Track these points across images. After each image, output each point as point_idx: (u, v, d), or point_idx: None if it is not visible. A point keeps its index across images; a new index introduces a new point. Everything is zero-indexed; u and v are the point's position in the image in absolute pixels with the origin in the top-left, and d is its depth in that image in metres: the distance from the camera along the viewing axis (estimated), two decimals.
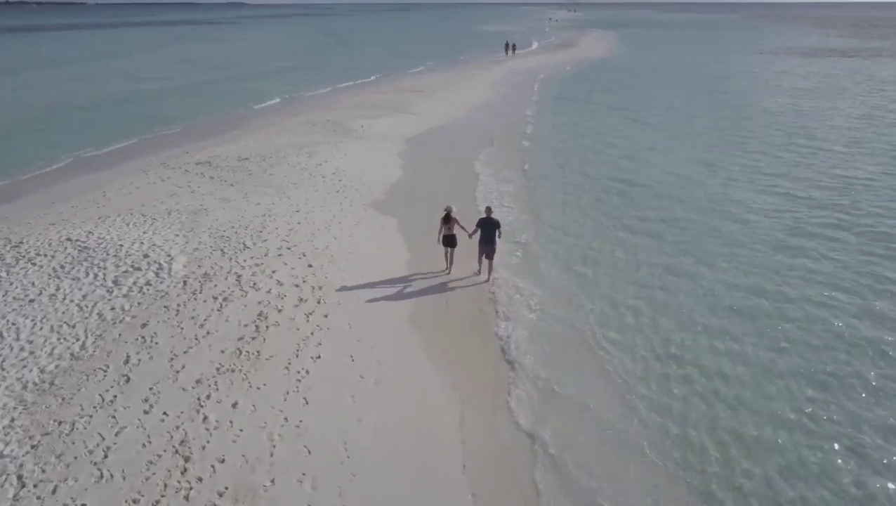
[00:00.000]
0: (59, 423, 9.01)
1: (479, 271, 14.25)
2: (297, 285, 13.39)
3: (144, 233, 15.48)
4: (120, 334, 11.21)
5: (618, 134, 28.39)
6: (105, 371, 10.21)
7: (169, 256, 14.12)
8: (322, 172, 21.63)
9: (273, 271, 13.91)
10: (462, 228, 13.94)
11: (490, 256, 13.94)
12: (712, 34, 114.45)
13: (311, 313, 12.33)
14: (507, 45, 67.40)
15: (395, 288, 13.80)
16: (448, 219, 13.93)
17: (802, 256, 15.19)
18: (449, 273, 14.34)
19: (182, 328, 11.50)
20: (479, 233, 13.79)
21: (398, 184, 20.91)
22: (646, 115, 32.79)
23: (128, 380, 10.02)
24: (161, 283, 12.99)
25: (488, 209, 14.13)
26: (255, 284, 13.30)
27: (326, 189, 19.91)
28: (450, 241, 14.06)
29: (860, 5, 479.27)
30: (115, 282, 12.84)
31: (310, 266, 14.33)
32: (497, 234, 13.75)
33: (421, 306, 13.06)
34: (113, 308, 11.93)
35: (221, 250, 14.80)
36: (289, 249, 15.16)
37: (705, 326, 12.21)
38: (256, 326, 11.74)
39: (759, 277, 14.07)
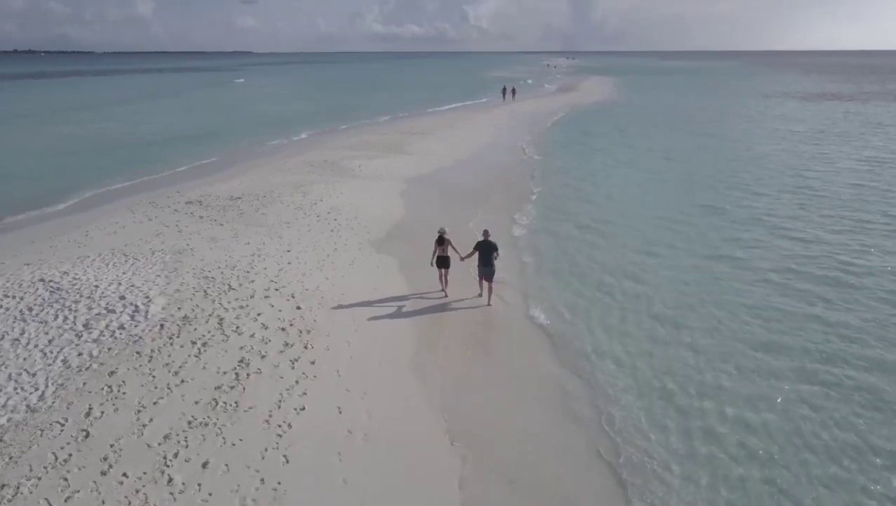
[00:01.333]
0: (2, 487, 7.93)
1: (481, 294, 14.40)
2: (283, 329, 12.41)
3: (124, 273, 14.55)
4: (84, 383, 10.18)
5: (616, 179, 27.27)
6: (63, 425, 9.15)
7: (147, 297, 13.16)
8: (317, 211, 20.87)
9: (258, 314, 12.95)
10: (455, 250, 14.29)
11: (489, 279, 14.07)
12: (712, 80, 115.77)
13: (296, 360, 11.33)
14: (504, 89, 67.84)
15: (389, 329, 12.85)
16: (441, 241, 14.30)
17: (805, 308, 13.93)
18: (445, 295, 14.54)
19: (154, 376, 10.48)
20: (474, 256, 14.05)
21: (394, 223, 20.15)
22: (645, 160, 31.86)
23: (87, 435, 8.96)
24: (136, 326, 12.01)
25: (486, 232, 14.27)
26: (237, 327, 12.32)
27: (320, 228, 19.11)
28: (443, 262, 14.40)
29: (851, 53, 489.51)
30: (86, 325, 11.86)
31: (298, 308, 13.39)
32: (494, 256, 13.88)
33: (417, 348, 12.16)
34: (80, 354, 10.93)
35: (205, 292, 13.85)
36: (277, 290, 14.23)
37: (698, 382, 11.20)
38: (236, 374, 10.72)
39: (756, 335, 12.73)
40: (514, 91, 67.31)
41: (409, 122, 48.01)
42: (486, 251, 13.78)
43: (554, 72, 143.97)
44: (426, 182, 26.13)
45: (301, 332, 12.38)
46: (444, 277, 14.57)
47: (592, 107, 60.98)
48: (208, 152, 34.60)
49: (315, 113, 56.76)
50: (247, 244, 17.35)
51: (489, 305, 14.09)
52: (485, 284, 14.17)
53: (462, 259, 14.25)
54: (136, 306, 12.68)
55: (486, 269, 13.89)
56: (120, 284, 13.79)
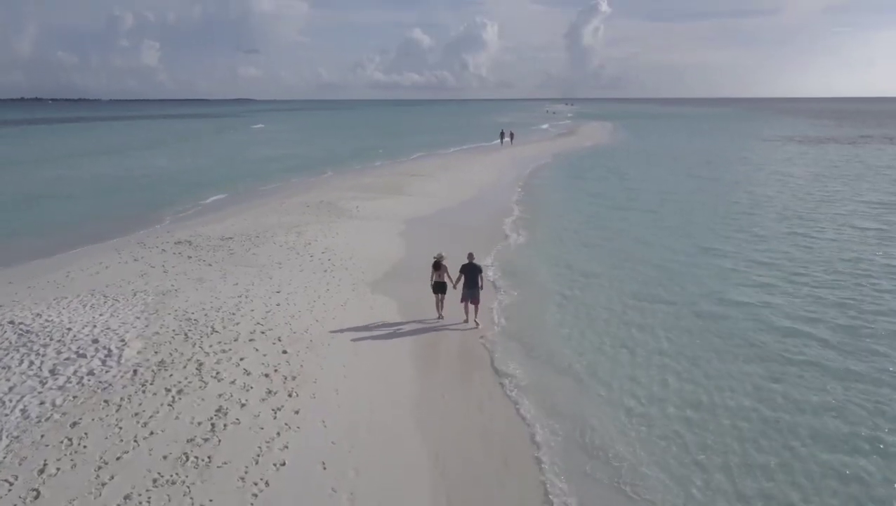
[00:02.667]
0: None
1: (466, 319, 14.51)
2: (266, 375, 11.51)
3: (101, 315, 13.71)
4: (42, 436, 9.24)
5: (614, 224, 26.00)
6: (11, 484, 8.18)
7: (122, 340, 12.30)
8: (310, 251, 20.15)
9: (241, 359, 12.06)
10: (449, 277, 14.61)
11: (475, 302, 14.34)
12: (710, 125, 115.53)
13: (279, 409, 10.40)
14: (502, 133, 67.99)
15: (382, 374, 11.95)
16: (438, 266, 14.54)
17: (811, 363, 12.49)
18: (440, 317, 14.75)
19: (120, 428, 9.53)
20: (462, 280, 14.34)
21: (390, 263, 19.38)
22: (644, 203, 30.61)
23: (37, 496, 7.99)
24: (106, 372, 11.11)
25: (470, 255, 14.61)
26: (217, 373, 11.42)
27: (313, 268, 18.34)
28: (440, 287, 14.65)
29: (844, 100, 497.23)
30: (52, 371, 10.97)
31: (284, 352, 12.51)
32: (480, 279, 14.26)
33: (411, 394, 11.25)
34: (42, 403, 10.01)
35: (185, 334, 13.00)
36: (263, 333, 13.37)
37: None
38: (212, 425, 9.78)
39: (754, 411, 10.84)
40: (511, 135, 67.39)
41: (409, 164, 47.92)
42: (471, 274, 14.23)
43: (554, 117, 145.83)
44: (425, 223, 25.48)
45: (286, 378, 11.47)
46: (440, 302, 14.80)
47: (592, 150, 60.95)
48: (206, 194, 34.11)
49: (316, 157, 56.84)
50: (235, 285, 16.56)
51: (476, 326, 14.32)
52: (470, 306, 14.43)
53: (455, 286, 14.51)
54: (110, 350, 11.81)
55: (471, 291, 14.26)
56: (95, 326, 12.94)
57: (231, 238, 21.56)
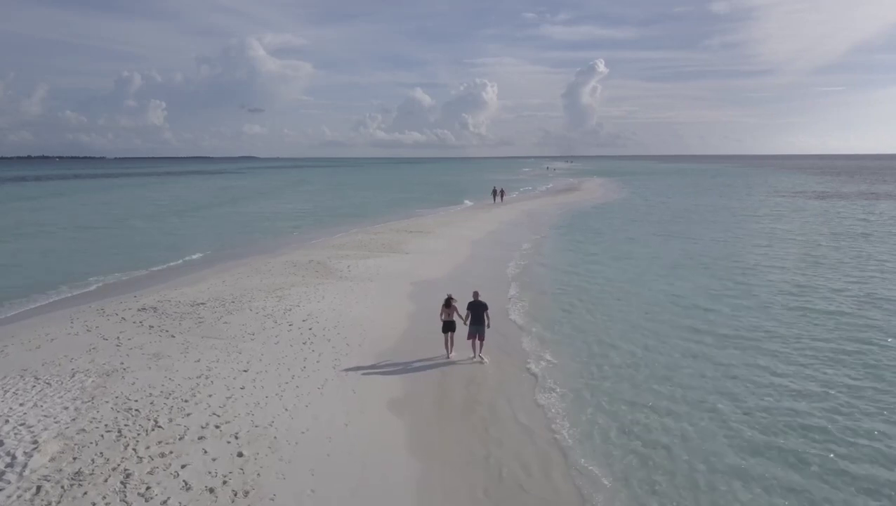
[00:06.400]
0: None
1: (474, 356, 14.78)
2: (211, 490, 8.99)
3: (21, 405, 11.26)
4: None
5: (622, 284, 23.72)
6: None
7: (35, 442, 9.83)
8: (290, 318, 17.80)
9: (182, 466, 9.56)
10: (459, 315, 14.89)
11: (481, 338, 14.76)
12: (712, 180, 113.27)
13: None
14: (494, 191, 66.41)
15: (360, 485, 9.39)
16: (449, 304, 14.84)
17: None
18: (448, 358, 14.84)
19: None
20: (469, 317, 14.72)
21: (377, 331, 16.96)
22: (654, 268, 28.25)
23: None
24: (0, 491, 8.60)
25: (475, 293, 15.13)
26: (147, 489, 8.90)
27: (291, 340, 15.96)
28: (450, 326, 14.90)
29: (838, 157, 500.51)
30: None
31: (240, 455, 10.01)
32: (485, 316, 14.68)
33: None
34: None
35: (119, 431, 10.53)
36: (217, 427, 10.90)
37: None
38: None
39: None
40: (502, 192, 65.70)
41: (408, 221, 45.99)
42: (476, 311, 14.64)
43: (554, 174, 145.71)
44: (430, 285, 23.01)
45: (236, 494, 8.94)
46: (450, 341, 14.98)
47: (593, 208, 58.73)
48: (186, 255, 31.89)
49: (312, 213, 55.20)
50: (196, 362, 14.16)
51: (481, 361, 14.62)
52: (477, 342, 14.77)
53: (465, 323, 14.77)
54: (14, 457, 9.32)
55: (477, 327, 14.68)
56: (7, 421, 10.50)
57: (203, 304, 19.23)
